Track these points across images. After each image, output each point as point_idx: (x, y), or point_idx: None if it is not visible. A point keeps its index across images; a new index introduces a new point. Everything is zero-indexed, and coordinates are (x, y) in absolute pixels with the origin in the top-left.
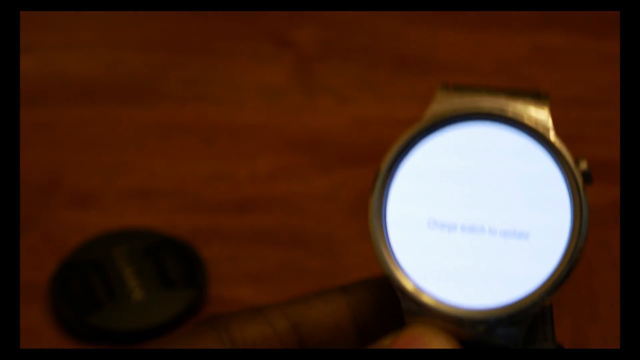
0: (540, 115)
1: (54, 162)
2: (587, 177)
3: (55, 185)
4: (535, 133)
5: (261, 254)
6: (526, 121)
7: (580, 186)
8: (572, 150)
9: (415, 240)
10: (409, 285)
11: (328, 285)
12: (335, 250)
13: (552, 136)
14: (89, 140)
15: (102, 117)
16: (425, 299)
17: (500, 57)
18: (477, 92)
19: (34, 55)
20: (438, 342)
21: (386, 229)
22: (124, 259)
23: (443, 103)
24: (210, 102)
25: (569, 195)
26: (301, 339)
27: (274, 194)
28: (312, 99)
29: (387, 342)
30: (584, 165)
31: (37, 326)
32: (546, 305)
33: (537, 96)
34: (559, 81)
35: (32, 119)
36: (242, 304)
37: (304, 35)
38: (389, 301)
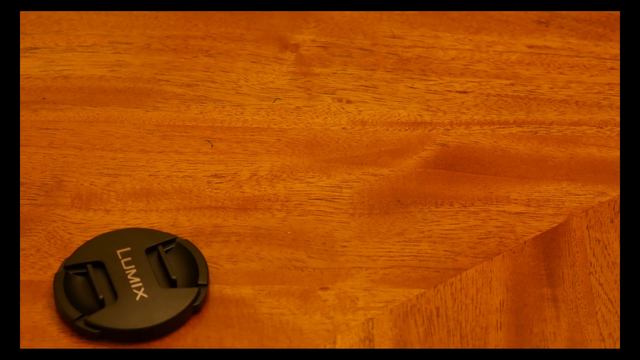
0: None
1: (58, 163)
2: None
3: (59, 186)
4: None
5: (261, 254)
6: None
7: None
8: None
9: None
10: None
11: (328, 285)
12: (335, 250)
13: None
14: (92, 141)
15: (105, 118)
16: None
17: (499, 59)
18: None
19: (37, 56)
20: None
21: None
22: (126, 259)
23: None
24: (211, 103)
25: None
26: None
27: (274, 194)
28: (312, 100)
29: None
30: None
31: (41, 325)
32: None
33: None
34: (558, 82)
35: (36, 119)
36: (243, 303)
37: (304, 36)
38: None
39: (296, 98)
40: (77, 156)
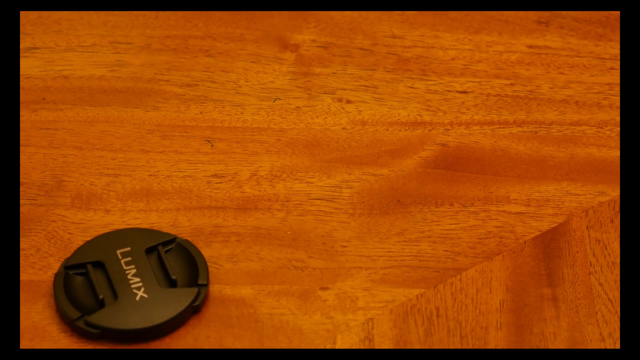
0: None
1: (58, 163)
2: None
3: (59, 186)
4: None
5: (261, 254)
6: None
7: None
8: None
9: None
10: None
11: (328, 285)
12: (335, 250)
13: None
14: (92, 141)
15: (105, 118)
16: None
17: (499, 59)
18: None
19: (37, 56)
20: None
21: None
22: (126, 259)
23: None
24: (211, 103)
25: None
26: None
27: (274, 194)
28: (312, 100)
29: None
30: None
31: (40, 325)
32: None
33: None
34: (558, 82)
35: (36, 119)
36: (243, 303)
37: (304, 36)
38: None
39: (296, 98)
40: (77, 156)
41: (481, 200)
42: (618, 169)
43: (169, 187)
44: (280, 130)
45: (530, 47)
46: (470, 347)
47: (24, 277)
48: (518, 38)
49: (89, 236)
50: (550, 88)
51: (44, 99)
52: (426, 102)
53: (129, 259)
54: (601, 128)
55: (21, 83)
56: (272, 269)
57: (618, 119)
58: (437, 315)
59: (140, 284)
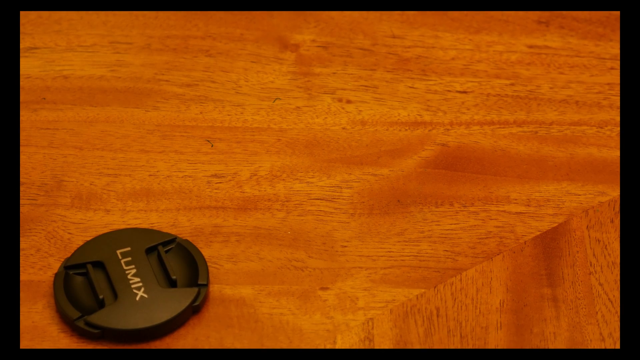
0: None
1: (58, 163)
2: None
3: (59, 186)
4: None
5: (261, 254)
6: None
7: None
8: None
9: None
10: None
11: (328, 285)
12: (335, 250)
13: None
14: (92, 141)
15: (105, 118)
16: None
17: (499, 59)
18: None
19: (37, 56)
20: None
21: None
22: (126, 259)
23: None
24: (211, 103)
25: None
26: None
27: (274, 194)
28: (312, 100)
29: None
30: None
31: (40, 325)
32: None
33: None
34: (558, 82)
35: (36, 119)
36: (243, 303)
37: (304, 36)
38: None
39: (296, 98)
40: (77, 156)
41: (481, 200)
42: (618, 169)
43: (169, 187)
44: (280, 130)
45: (531, 47)
46: (470, 347)
47: (24, 277)
48: (518, 38)
49: (89, 236)
50: (551, 88)
51: (44, 99)
52: (426, 102)
53: (129, 259)
54: (601, 128)
55: (21, 83)
56: (272, 269)
57: (618, 119)
58: (437, 315)
59: (140, 284)
